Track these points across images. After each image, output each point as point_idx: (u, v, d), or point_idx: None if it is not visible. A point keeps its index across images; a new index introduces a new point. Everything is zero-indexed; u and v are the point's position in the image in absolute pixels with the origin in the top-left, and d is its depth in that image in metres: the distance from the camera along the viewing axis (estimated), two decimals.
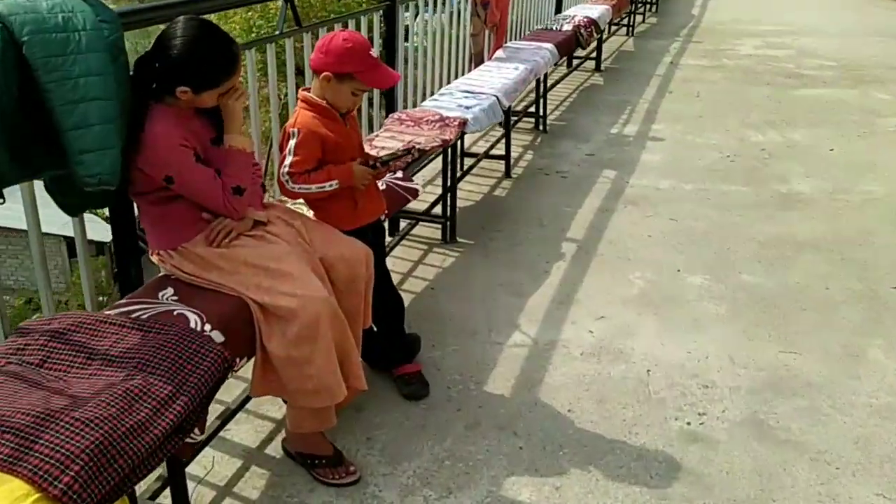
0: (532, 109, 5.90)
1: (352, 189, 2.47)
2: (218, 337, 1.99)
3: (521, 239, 4.03)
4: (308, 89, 2.47)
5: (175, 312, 2.04)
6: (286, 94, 4.03)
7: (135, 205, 2.27)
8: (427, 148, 3.42)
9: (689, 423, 2.59)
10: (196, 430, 1.85)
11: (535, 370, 2.88)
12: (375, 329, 2.67)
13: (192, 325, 1.99)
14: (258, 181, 2.38)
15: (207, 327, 1.99)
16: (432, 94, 4.76)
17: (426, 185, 4.59)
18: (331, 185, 2.40)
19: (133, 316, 2.00)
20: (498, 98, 4.30)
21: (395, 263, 3.69)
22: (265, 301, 2.10)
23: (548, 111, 6.03)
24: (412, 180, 3.25)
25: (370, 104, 4.29)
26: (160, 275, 2.28)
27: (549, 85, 6.20)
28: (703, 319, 3.26)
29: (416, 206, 3.64)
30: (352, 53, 2.35)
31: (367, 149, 3.00)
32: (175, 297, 2.13)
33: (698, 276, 3.64)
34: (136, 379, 1.75)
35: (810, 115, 6.50)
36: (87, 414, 1.61)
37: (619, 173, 5.05)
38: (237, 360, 2.07)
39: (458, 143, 4.10)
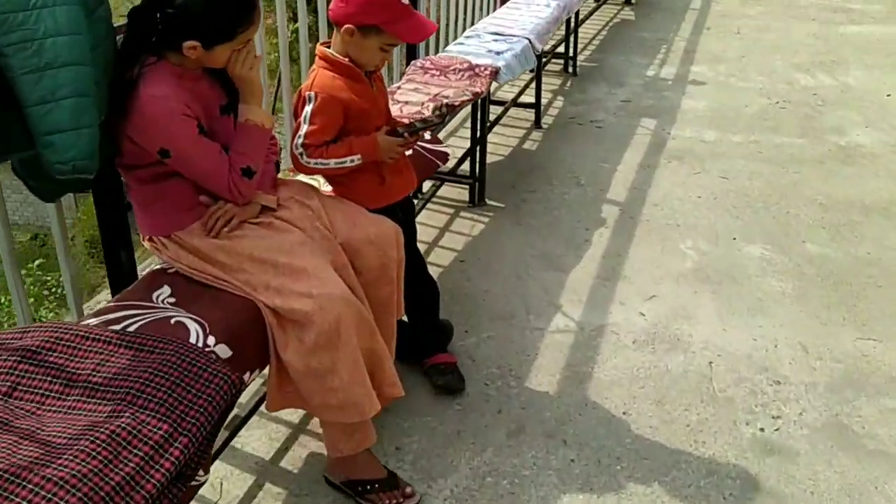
0: (560, 49, 5.42)
1: (377, 163, 2.10)
2: (224, 352, 1.66)
3: (557, 201, 3.65)
4: (327, 44, 2.07)
5: (172, 321, 1.71)
6: (295, 31, 3.60)
7: (123, 179, 1.91)
8: (456, 103, 3.03)
9: (762, 430, 2.27)
10: (200, 472, 1.54)
11: (583, 362, 2.55)
12: (406, 319, 2.34)
13: (193, 338, 1.66)
14: (273, 159, 2.01)
15: (211, 340, 1.67)
16: (456, 37, 4.31)
17: (448, 139, 4.19)
18: (352, 161, 2.03)
19: (121, 327, 1.66)
20: (530, 41, 3.86)
21: (420, 231, 3.32)
22: (276, 304, 1.77)
23: (578, 51, 5.54)
24: (440, 141, 2.86)
25: None
26: (155, 267, 1.94)
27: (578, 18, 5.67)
28: (768, 299, 2.91)
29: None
30: (377, 0, 1.95)
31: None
32: (172, 300, 1.80)
33: (758, 246, 3.27)
34: (124, 416, 1.43)
35: (863, 56, 5.99)
36: (61, 472, 1.29)
37: (658, 123, 4.63)
38: (248, 373, 1.74)
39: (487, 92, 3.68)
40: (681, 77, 5.48)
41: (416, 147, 2.72)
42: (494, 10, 4.88)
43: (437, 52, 3.92)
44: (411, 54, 3.73)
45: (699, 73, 5.54)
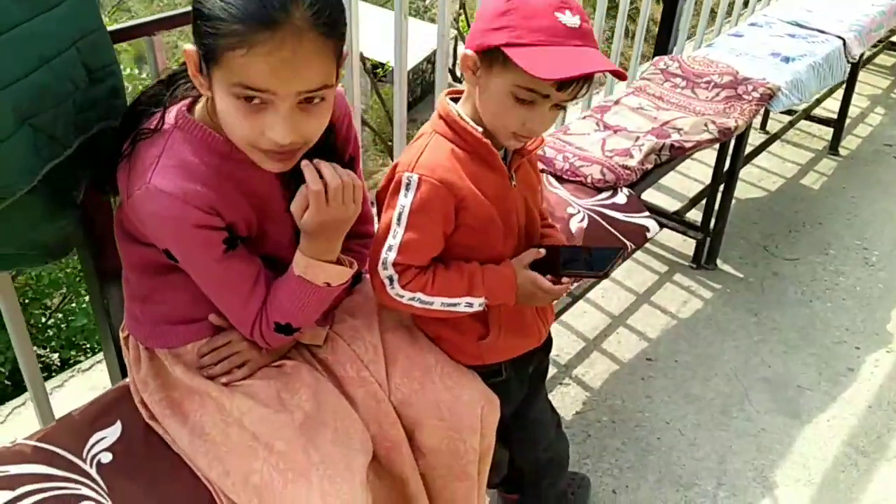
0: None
1: (492, 307, 1.28)
2: None
3: (825, 286, 2.52)
4: (456, 96, 1.25)
5: None
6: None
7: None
8: (689, 145, 2.05)
9: None
10: None
11: None
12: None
13: None
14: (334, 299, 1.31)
15: None
16: (737, 21, 3.15)
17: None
18: (469, 305, 1.22)
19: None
20: (845, 42, 2.64)
21: (604, 288, 2.45)
22: None
23: None
24: (641, 203, 1.92)
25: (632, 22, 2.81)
26: (119, 384, 1.35)
27: None
28: None
29: (657, 196, 2.28)
30: (511, 7, 1.09)
31: (559, 160, 1.75)
32: (107, 457, 1.20)
33: None
34: None
35: None
36: None
37: None
38: None
39: None
40: None
41: (594, 210, 1.83)
42: None
43: (700, 45, 2.85)
44: (661, 48, 2.71)
45: None
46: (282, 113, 0.95)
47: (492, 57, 1.10)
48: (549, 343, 1.46)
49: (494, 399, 1.28)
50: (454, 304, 1.21)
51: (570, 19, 1.08)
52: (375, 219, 1.27)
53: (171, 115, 1.06)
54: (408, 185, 1.15)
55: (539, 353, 1.41)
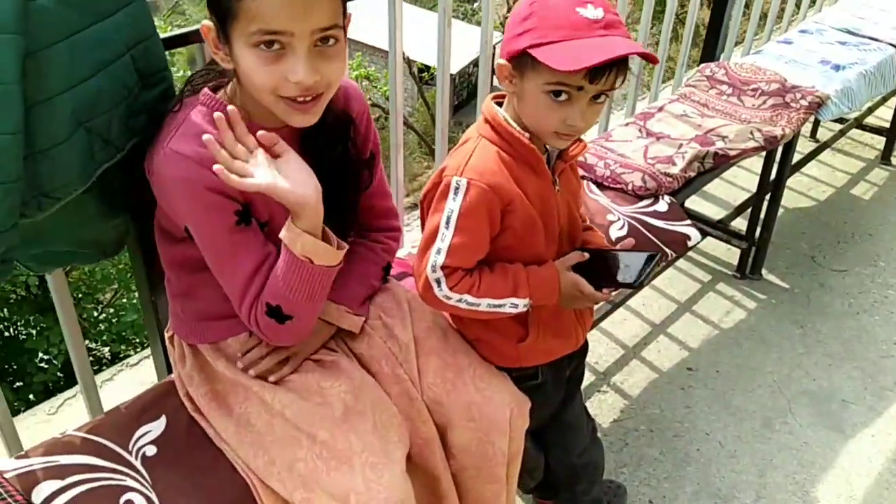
0: None
1: (532, 310, 1.28)
2: None
3: (874, 299, 2.47)
4: (500, 99, 1.27)
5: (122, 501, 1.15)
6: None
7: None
8: (733, 153, 2.03)
9: None
10: None
11: None
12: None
13: None
14: (374, 286, 1.35)
15: None
16: (787, 27, 3.10)
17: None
18: (514, 306, 1.22)
19: (42, 499, 1.14)
20: None
21: (645, 296, 2.43)
22: None
23: None
24: (682, 211, 1.90)
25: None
26: (165, 380, 1.39)
27: None
28: None
29: (701, 204, 2.28)
30: (532, 10, 1.10)
31: (596, 158, 1.73)
32: (152, 450, 1.25)
33: None
34: None
35: None
36: None
37: None
38: None
39: None
40: None
41: (634, 217, 1.82)
42: None
43: (749, 51, 2.81)
44: (708, 54, 2.68)
45: None
46: (300, 54, 0.99)
47: (522, 62, 1.12)
48: (585, 347, 1.46)
49: (525, 403, 1.29)
50: (500, 305, 1.22)
51: (591, 12, 1.08)
52: (408, 220, 1.29)
53: (195, 98, 1.10)
54: (456, 188, 1.16)
55: (576, 358, 1.42)
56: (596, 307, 1.52)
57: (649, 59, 1.15)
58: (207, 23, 1.03)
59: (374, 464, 1.12)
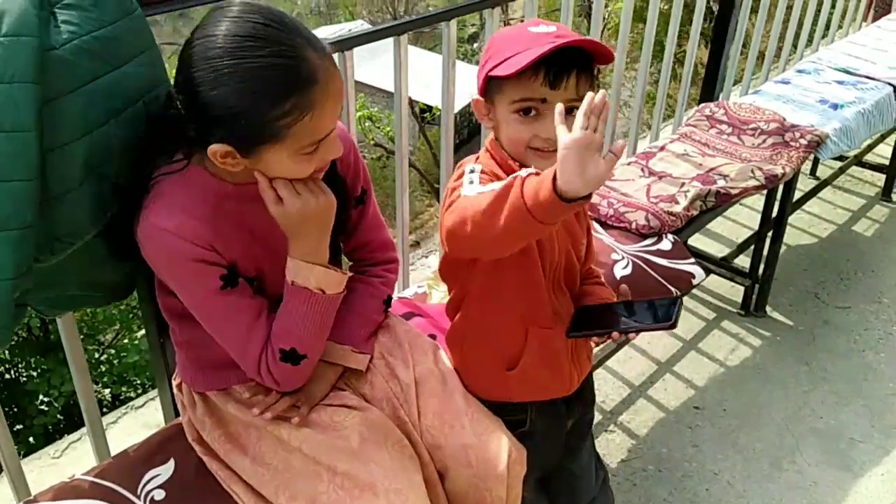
0: None
1: (523, 321, 1.26)
2: None
3: (878, 335, 2.46)
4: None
5: None
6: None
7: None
8: (735, 192, 2.05)
9: None
10: None
11: None
12: None
13: None
14: (376, 320, 1.35)
15: None
16: (785, 67, 3.15)
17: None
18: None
19: None
20: (895, 88, 2.62)
21: (648, 334, 2.43)
22: None
23: None
24: (686, 249, 1.92)
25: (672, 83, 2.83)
26: (172, 423, 1.39)
27: None
28: None
29: (705, 242, 2.30)
30: (490, 45, 1.15)
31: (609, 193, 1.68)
32: (161, 497, 1.24)
33: None
34: None
35: None
36: None
37: None
38: None
39: None
40: None
41: (638, 256, 1.83)
42: (864, 24, 3.56)
43: (747, 90, 2.85)
44: (707, 93, 2.72)
45: None
46: (332, 136, 1.06)
47: (489, 91, 1.14)
48: (589, 395, 1.45)
49: (523, 450, 1.28)
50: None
51: (543, 28, 1.09)
52: (412, 260, 1.30)
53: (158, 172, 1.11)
54: (472, 171, 1.14)
55: (576, 407, 1.40)
56: (597, 348, 1.50)
57: (601, 52, 1.10)
58: (226, 148, 1.02)
59: (398, 489, 1.13)
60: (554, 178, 0.90)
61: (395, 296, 1.45)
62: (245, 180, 1.11)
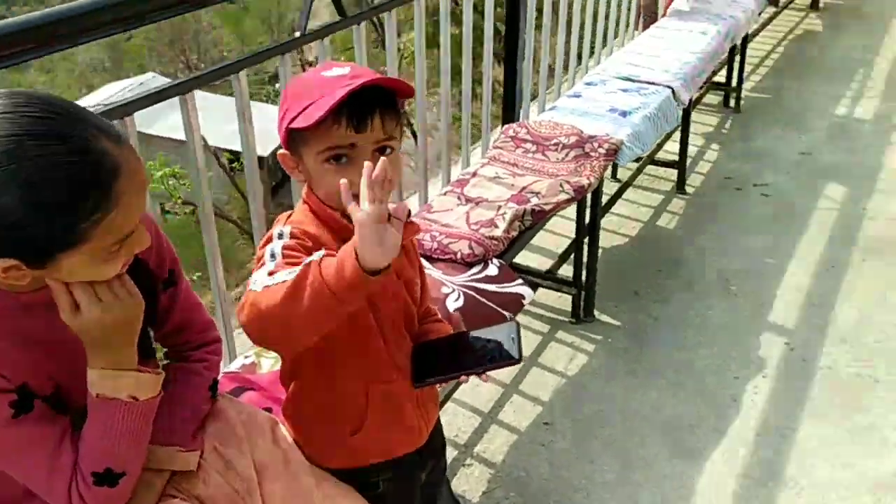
0: (720, 78, 4.25)
1: (363, 378, 1.19)
2: None
3: (696, 322, 2.62)
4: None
5: None
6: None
7: None
8: (549, 207, 2.09)
9: None
10: None
11: None
12: None
13: None
14: (205, 409, 1.21)
15: None
16: (573, 82, 3.32)
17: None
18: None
19: None
20: (674, 91, 2.83)
21: None
22: None
23: (744, 77, 4.34)
24: (512, 273, 1.93)
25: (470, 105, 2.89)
26: None
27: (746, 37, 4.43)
28: None
29: (528, 257, 2.34)
30: (286, 94, 1.11)
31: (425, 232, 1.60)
32: None
33: None
34: None
35: None
36: None
37: (849, 191, 3.43)
38: None
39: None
40: (883, 117, 4.18)
41: (468, 286, 1.82)
42: (636, 33, 3.84)
43: (544, 106, 2.97)
44: (508, 110, 2.79)
45: None
46: (139, 229, 0.95)
47: (293, 143, 1.09)
48: (439, 442, 1.39)
49: None
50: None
51: (337, 71, 1.06)
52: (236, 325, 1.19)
53: None
54: (280, 235, 1.07)
55: (428, 457, 1.34)
56: (440, 386, 1.46)
57: (399, 87, 1.07)
58: (9, 262, 0.86)
59: None
60: (355, 255, 0.89)
61: (220, 375, 1.32)
62: (33, 287, 0.95)
